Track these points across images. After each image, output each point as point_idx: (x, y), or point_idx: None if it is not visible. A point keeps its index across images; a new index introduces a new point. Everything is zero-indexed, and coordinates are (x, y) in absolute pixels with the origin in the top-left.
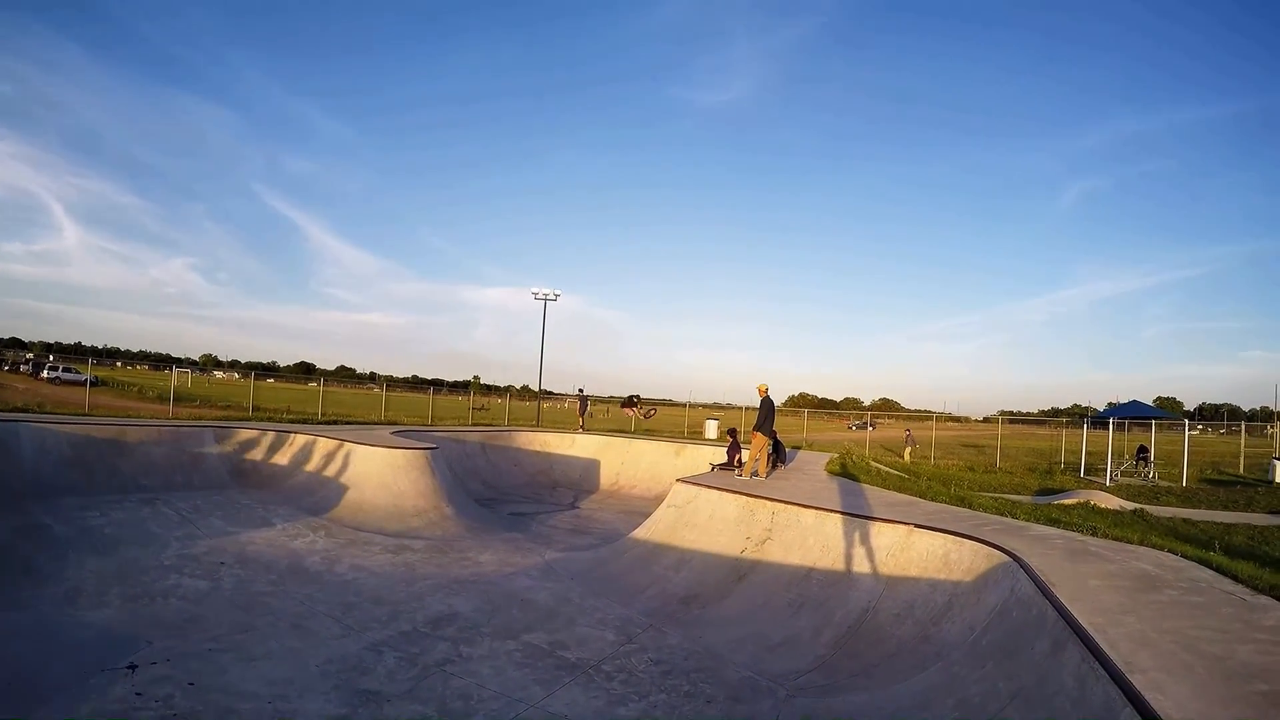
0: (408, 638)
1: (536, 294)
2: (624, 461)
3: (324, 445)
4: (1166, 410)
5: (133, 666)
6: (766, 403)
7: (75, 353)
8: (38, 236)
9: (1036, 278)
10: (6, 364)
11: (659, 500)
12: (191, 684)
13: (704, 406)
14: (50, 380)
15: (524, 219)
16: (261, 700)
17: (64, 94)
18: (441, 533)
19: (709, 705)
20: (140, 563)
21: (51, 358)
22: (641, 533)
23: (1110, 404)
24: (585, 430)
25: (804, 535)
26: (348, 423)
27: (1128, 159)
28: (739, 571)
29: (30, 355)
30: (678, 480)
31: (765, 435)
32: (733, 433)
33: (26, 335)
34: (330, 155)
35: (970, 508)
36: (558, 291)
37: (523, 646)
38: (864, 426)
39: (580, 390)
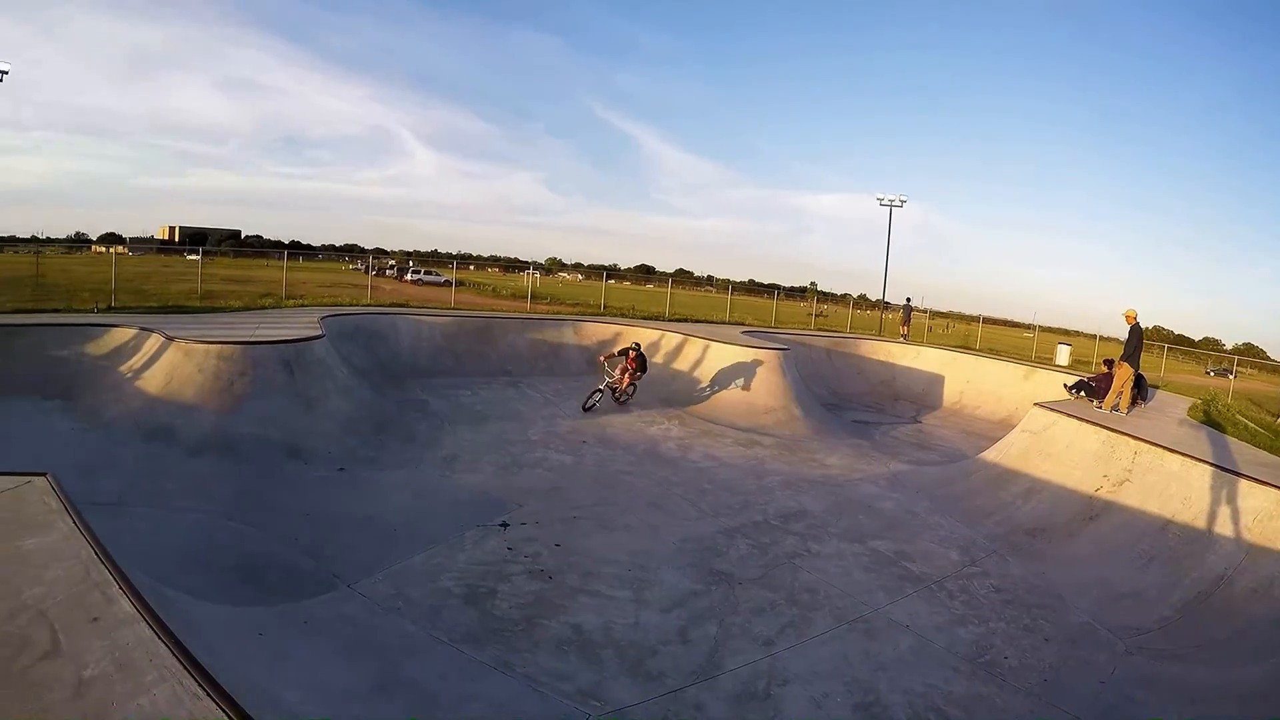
0: (759, 528)
1: (881, 199)
2: (969, 380)
3: (675, 340)
4: None
5: (504, 525)
6: (1136, 330)
7: (432, 258)
8: (393, 163)
9: None
10: (374, 269)
11: (1002, 424)
12: (558, 545)
13: (1051, 330)
14: (413, 282)
15: (862, 122)
16: (621, 567)
17: (402, 40)
18: (790, 432)
19: (1046, 644)
20: (509, 436)
21: (411, 263)
22: (992, 454)
23: None
24: (907, 340)
25: (1165, 482)
26: (694, 321)
27: None
28: (1091, 511)
29: (393, 261)
30: (1036, 404)
31: (1132, 367)
32: (1109, 363)
33: (388, 245)
34: (659, 68)
35: None
36: (904, 197)
37: (869, 552)
38: (1224, 373)
39: (908, 300)
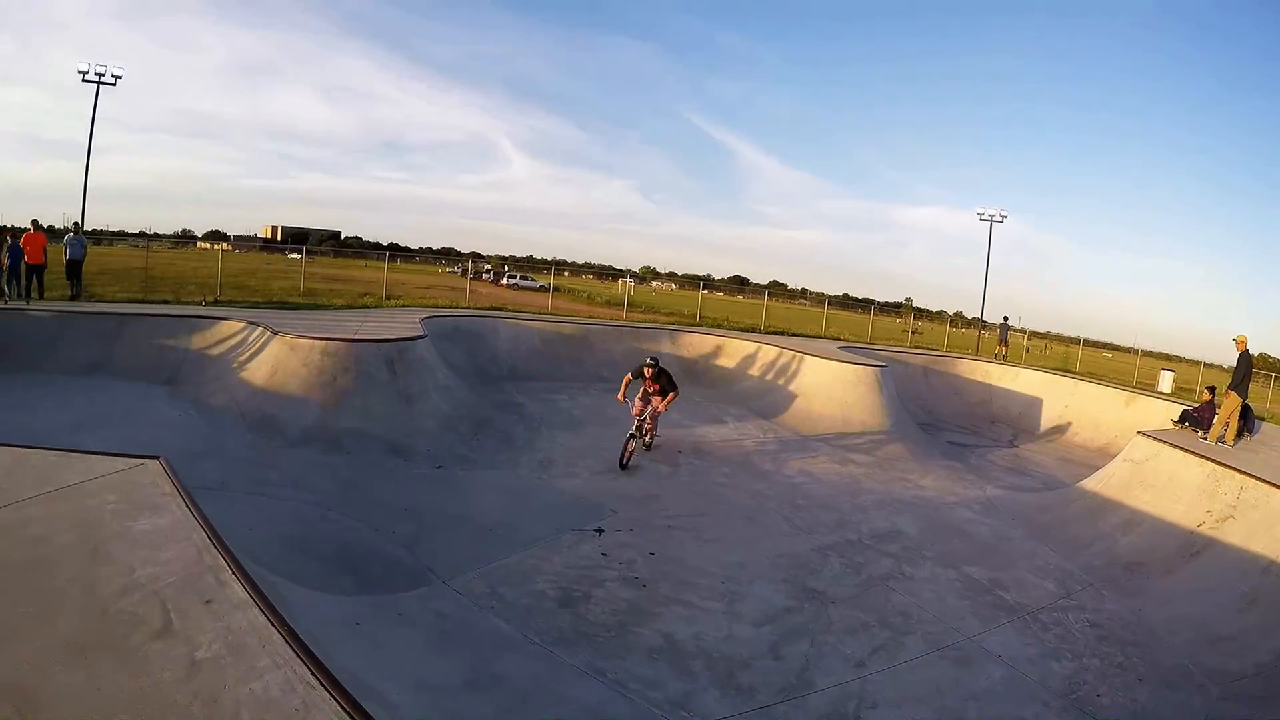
0: (853, 546)
1: (981, 214)
2: (1067, 404)
3: (771, 353)
4: None
5: (599, 530)
6: (1245, 358)
7: (527, 263)
8: (490, 168)
9: None
10: (471, 273)
11: (1100, 451)
12: (652, 553)
13: (1152, 355)
14: (509, 286)
15: (963, 133)
16: (715, 578)
17: (499, 48)
18: (885, 451)
19: (1139, 684)
20: (604, 443)
21: (506, 267)
22: (1091, 483)
23: None
24: (1005, 360)
25: (1272, 521)
26: (788, 334)
27: None
28: (1192, 547)
29: (489, 266)
30: (1139, 433)
31: (1240, 396)
32: (1213, 390)
33: (484, 249)
34: (755, 77)
35: None
36: (1004, 211)
37: (962, 577)
38: None
39: (1005, 319)
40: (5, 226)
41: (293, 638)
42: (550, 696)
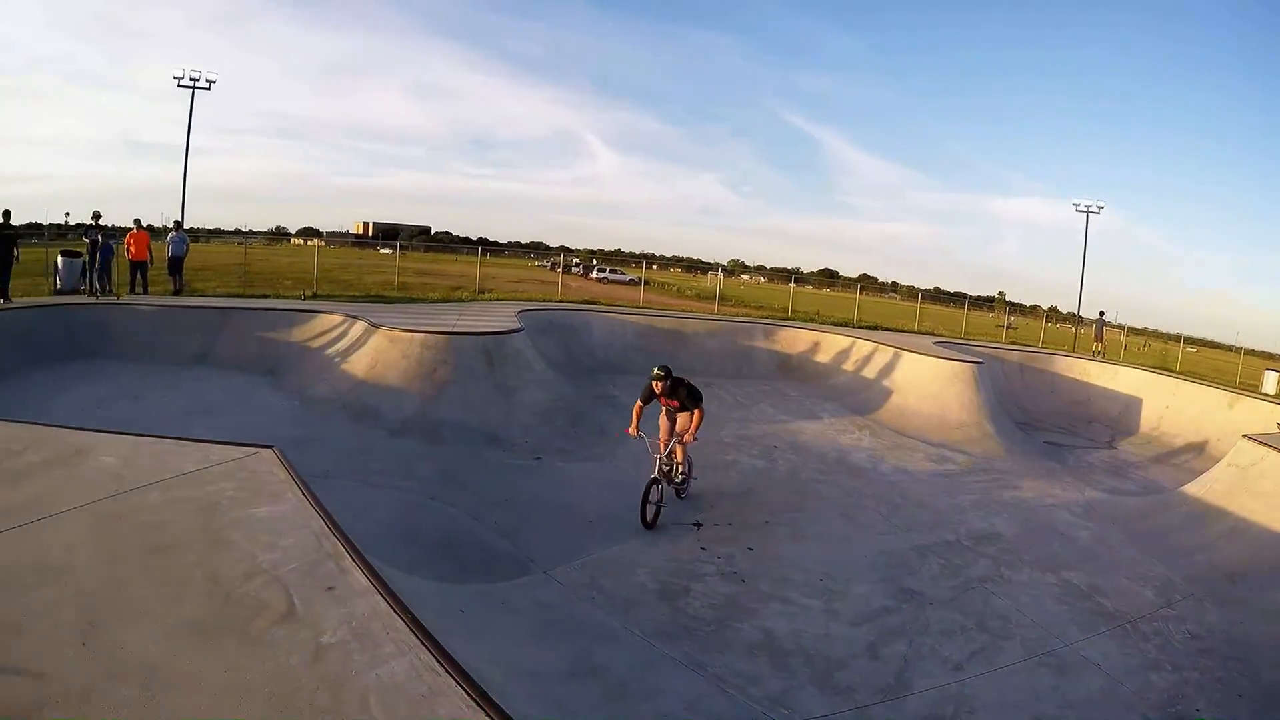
0: (950, 547)
1: (1078, 205)
2: (1167, 405)
3: (866, 349)
4: None
5: (698, 524)
6: None
7: (615, 257)
8: (577, 163)
9: None
10: (561, 267)
11: (1203, 454)
12: (750, 549)
13: (1256, 354)
14: (599, 280)
15: (1059, 123)
16: (812, 575)
17: (583, 44)
18: (981, 450)
19: (1239, 700)
20: (700, 436)
21: (595, 261)
22: (1194, 488)
23: None
24: (1102, 357)
25: None
26: (881, 329)
27: None
28: None
29: (578, 259)
30: (1244, 436)
31: None
32: None
33: (572, 243)
34: (843, 68)
35: None
36: (1100, 203)
37: (1061, 583)
38: None
39: (1100, 314)
40: (100, 225)
41: (416, 625)
42: (650, 688)
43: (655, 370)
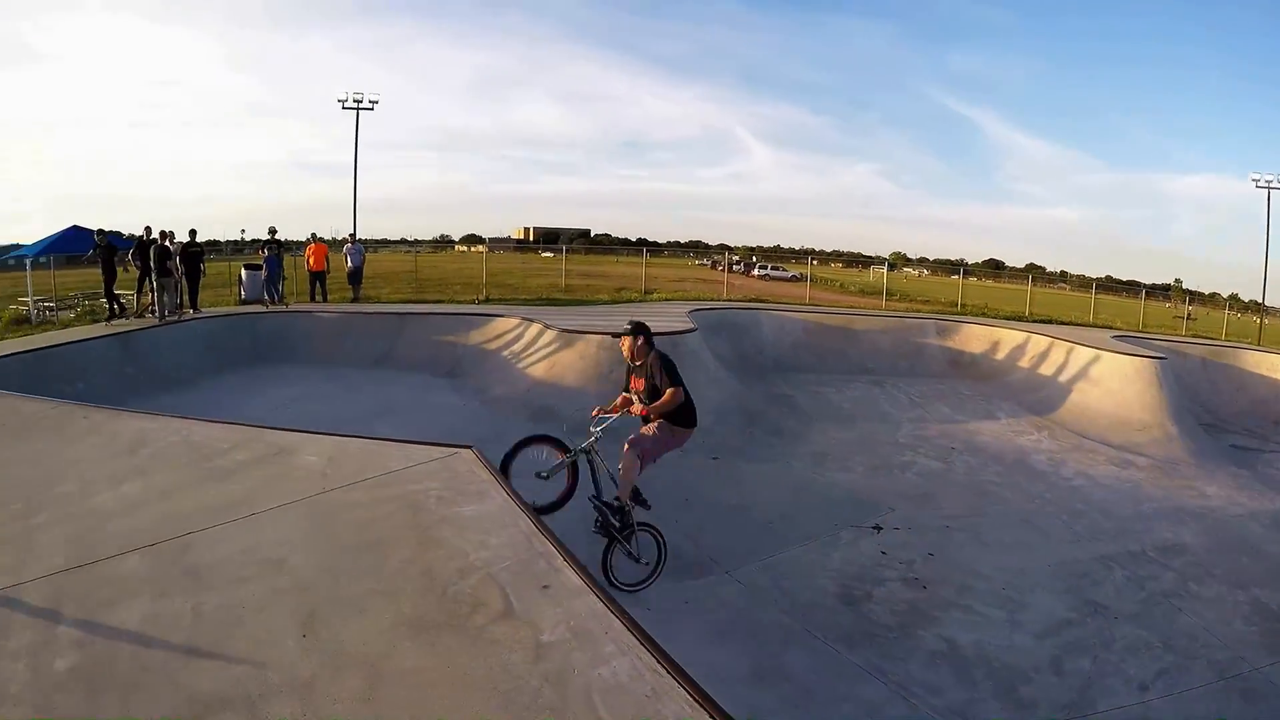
0: (1135, 558)
1: (1257, 179)
2: None
3: (1041, 344)
4: None
5: (878, 528)
6: None
7: (775, 253)
8: (731, 160)
9: None
10: (721, 265)
11: None
12: (931, 554)
13: None
14: (760, 277)
15: (1235, 89)
16: (994, 584)
17: (727, 40)
18: (1164, 453)
19: None
20: (877, 437)
21: (755, 258)
22: None
23: None
24: None
25: None
26: (1054, 322)
27: None
28: None
29: (738, 257)
30: None
31: None
32: None
33: (730, 240)
34: (996, 46)
35: None
36: None
37: (1251, 601)
38: None
39: None
40: (276, 240)
41: (634, 625)
42: (833, 694)
43: (626, 325)
